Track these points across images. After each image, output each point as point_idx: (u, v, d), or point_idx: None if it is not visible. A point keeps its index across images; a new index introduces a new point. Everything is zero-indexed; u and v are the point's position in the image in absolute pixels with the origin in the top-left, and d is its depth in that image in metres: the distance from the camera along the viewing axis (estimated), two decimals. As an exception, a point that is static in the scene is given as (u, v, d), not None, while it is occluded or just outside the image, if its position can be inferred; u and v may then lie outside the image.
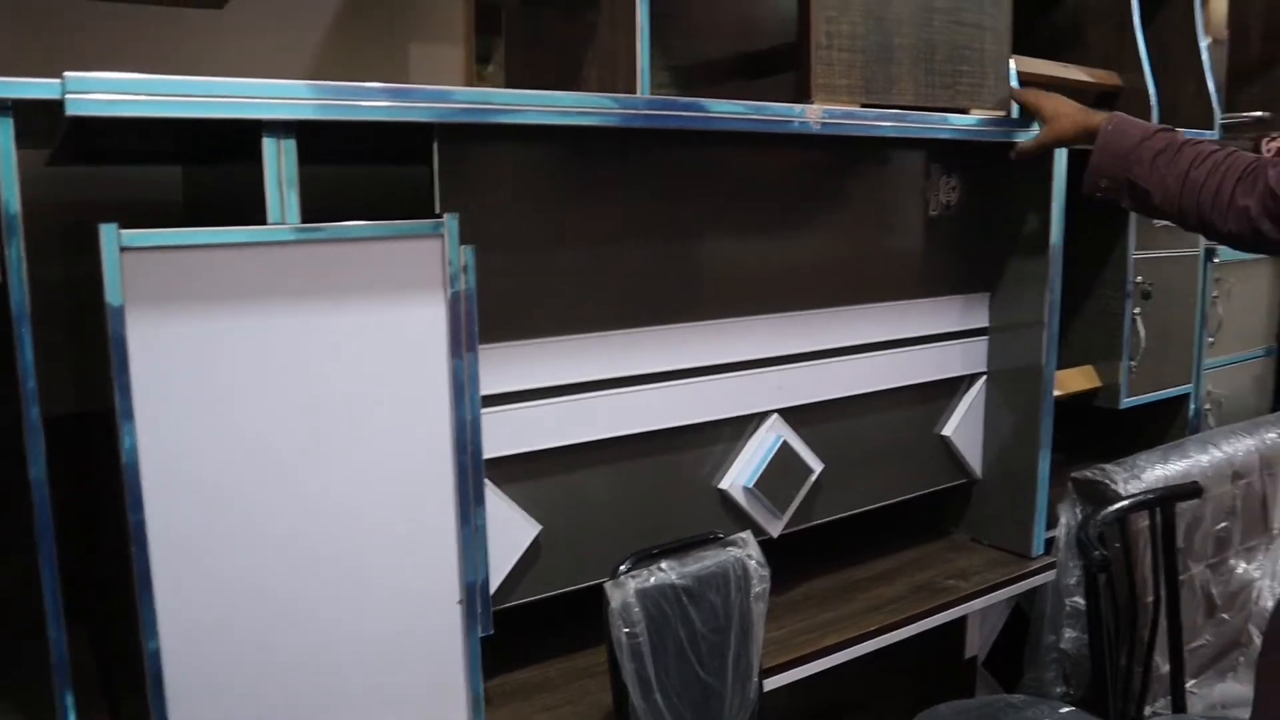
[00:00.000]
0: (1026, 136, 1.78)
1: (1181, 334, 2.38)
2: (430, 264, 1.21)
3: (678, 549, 1.37)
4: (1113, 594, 1.79)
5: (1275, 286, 2.75)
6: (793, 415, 1.70)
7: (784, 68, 1.64)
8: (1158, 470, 2.01)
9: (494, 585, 1.37)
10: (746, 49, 1.87)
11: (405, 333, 1.20)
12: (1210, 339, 2.46)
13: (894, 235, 1.84)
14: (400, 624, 1.25)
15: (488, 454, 1.32)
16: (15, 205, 1.00)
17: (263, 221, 1.11)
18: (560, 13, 1.53)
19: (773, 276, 1.65)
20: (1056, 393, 1.97)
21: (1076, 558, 1.88)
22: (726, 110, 1.42)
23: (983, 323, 1.99)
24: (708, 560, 1.37)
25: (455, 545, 1.27)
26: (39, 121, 1.09)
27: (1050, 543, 2.00)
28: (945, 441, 1.97)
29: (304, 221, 1.13)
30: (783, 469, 1.68)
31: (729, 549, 1.40)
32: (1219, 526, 2.13)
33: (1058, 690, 2.04)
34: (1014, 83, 1.79)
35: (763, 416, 1.67)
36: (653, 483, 1.57)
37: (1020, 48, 1.83)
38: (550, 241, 1.42)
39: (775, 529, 1.71)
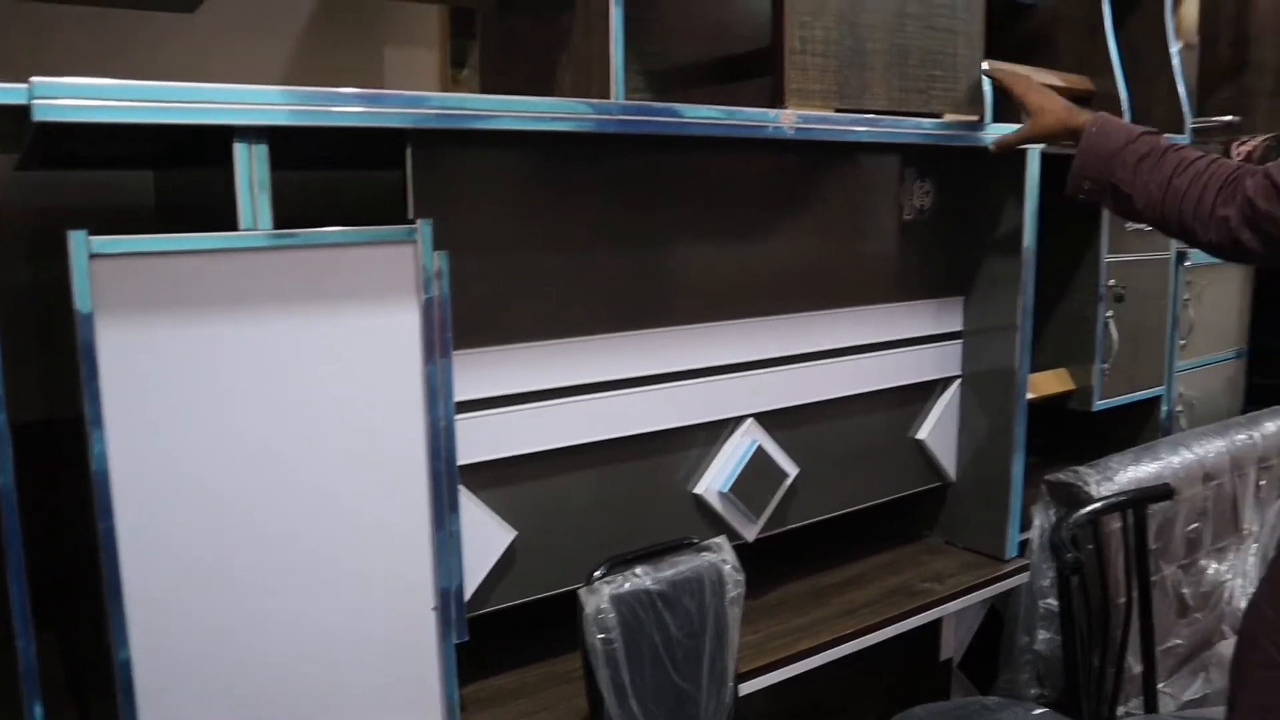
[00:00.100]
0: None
1: (1153, 337, 2.40)
2: (403, 270, 1.20)
3: (653, 554, 1.38)
4: (1085, 595, 1.81)
5: (1245, 289, 2.78)
6: (768, 419, 1.71)
7: (759, 72, 1.65)
8: (1130, 472, 2.02)
9: (469, 592, 1.36)
10: (722, 53, 1.87)
11: (378, 339, 1.20)
12: (1182, 341, 2.49)
13: (868, 239, 1.84)
14: (375, 630, 1.24)
15: (463, 460, 1.32)
16: (-17, 211, 0.99)
17: (234, 227, 1.10)
18: (535, 17, 1.53)
19: (748, 281, 1.66)
20: (1030, 396, 1.99)
21: (1050, 560, 1.89)
22: (700, 115, 1.42)
23: (957, 326, 2.00)
24: (683, 565, 1.37)
25: (430, 552, 1.27)
26: (6, 126, 1.08)
27: (1024, 545, 2.02)
28: (920, 445, 1.98)
29: (276, 227, 1.12)
30: (758, 473, 1.68)
31: (704, 554, 1.40)
32: (1190, 528, 2.16)
33: (1032, 692, 2.05)
34: (987, 87, 1.80)
35: (738, 421, 1.67)
36: (628, 488, 1.57)
37: (992, 52, 1.84)
38: (525, 247, 1.41)
39: (751, 533, 1.71)
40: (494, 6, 1.68)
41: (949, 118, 1.75)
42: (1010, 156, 1.83)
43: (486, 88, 1.79)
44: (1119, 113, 2.17)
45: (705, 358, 1.61)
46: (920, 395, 1.97)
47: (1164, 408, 2.46)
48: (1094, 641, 1.85)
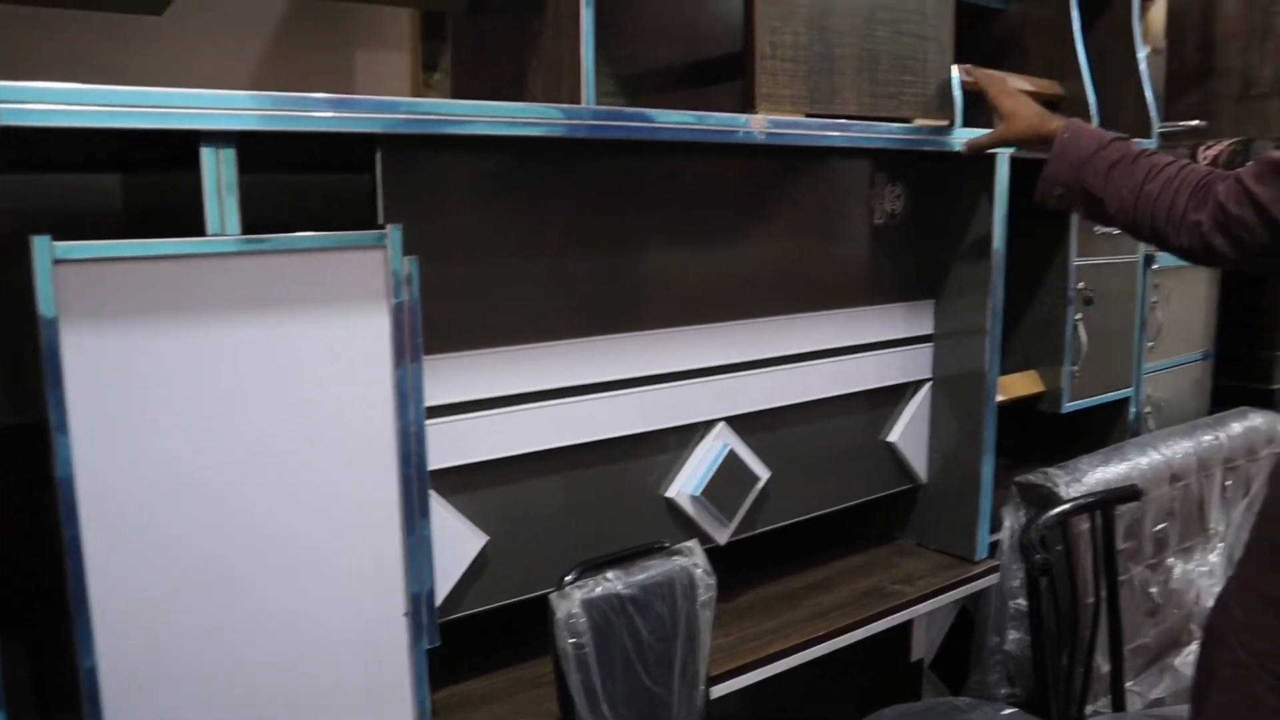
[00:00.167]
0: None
1: (1122, 339, 2.42)
2: (373, 275, 1.20)
3: (624, 558, 1.38)
4: (1055, 596, 1.82)
5: (1211, 292, 2.81)
6: (739, 423, 1.71)
7: (732, 76, 1.65)
8: (1098, 473, 2.04)
9: (440, 597, 1.36)
10: (694, 57, 1.88)
11: (348, 344, 1.20)
12: (1150, 343, 2.51)
13: (840, 243, 1.85)
14: (345, 636, 1.23)
15: (434, 465, 1.32)
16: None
17: (203, 232, 1.10)
18: (505, 21, 1.53)
19: (719, 285, 1.66)
20: (1000, 398, 2.00)
21: (1020, 561, 1.91)
22: (671, 120, 1.43)
23: (927, 329, 2.01)
24: (654, 569, 1.37)
25: (400, 557, 1.27)
26: (-31, 130, 1.07)
27: (995, 546, 2.03)
28: (891, 447, 1.99)
29: (244, 232, 1.11)
30: (729, 477, 1.68)
31: (675, 558, 1.40)
32: (1158, 528, 2.18)
33: (1002, 692, 2.07)
34: (957, 91, 1.81)
35: (709, 425, 1.68)
36: (600, 492, 1.57)
37: (963, 57, 1.85)
38: (496, 251, 1.41)
39: (722, 537, 1.71)
40: (465, 10, 1.68)
41: (919, 122, 1.76)
42: (980, 161, 1.84)
43: (458, 91, 1.79)
44: (1088, 117, 2.19)
45: (677, 362, 1.62)
46: (891, 398, 1.99)
47: (1132, 409, 2.49)
48: (1063, 641, 1.87)
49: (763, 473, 1.74)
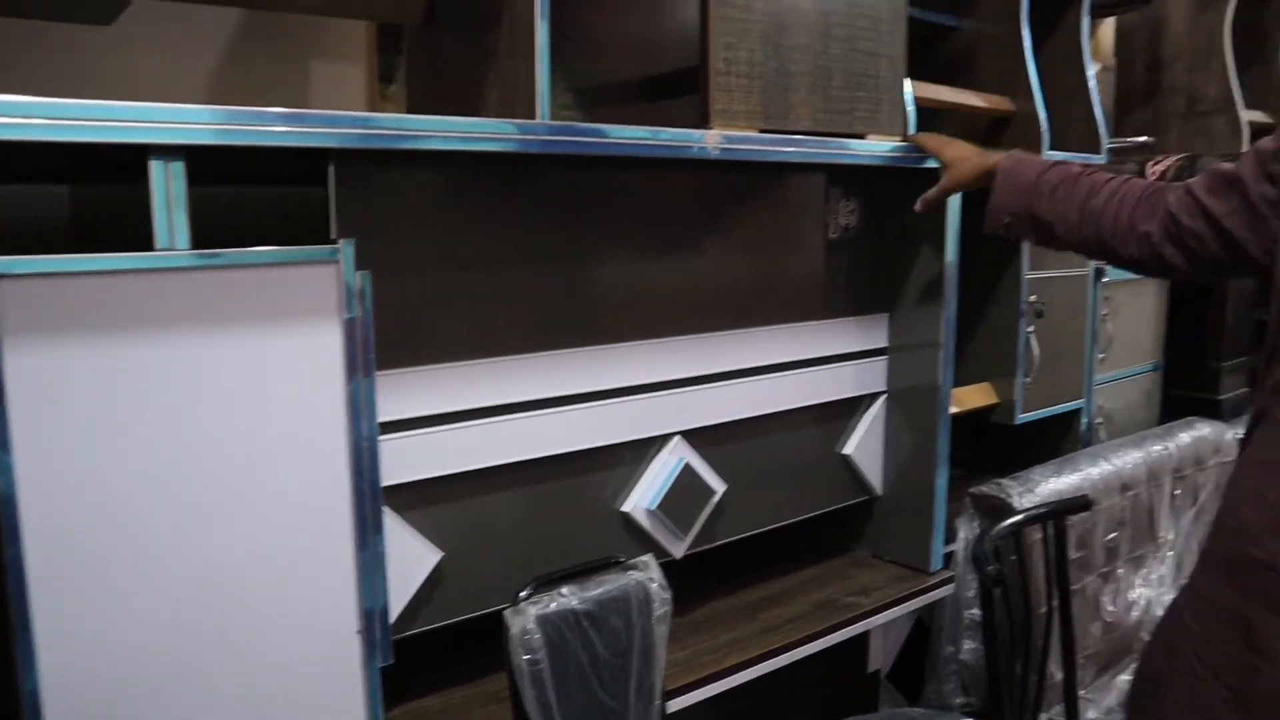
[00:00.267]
0: (924, 162, 1.83)
1: (1073, 351, 2.45)
2: (325, 290, 1.19)
3: (579, 573, 1.37)
4: (1008, 606, 1.84)
5: (1160, 304, 2.86)
6: (695, 437, 1.72)
7: (688, 90, 1.66)
8: (1051, 484, 2.07)
9: (394, 613, 1.35)
10: (651, 72, 1.88)
11: (300, 359, 1.18)
12: (1101, 355, 2.55)
13: (795, 258, 1.86)
14: (297, 654, 1.22)
15: (388, 481, 1.31)
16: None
17: (151, 246, 1.08)
18: (462, 35, 1.52)
19: (675, 299, 1.67)
20: (954, 410, 2.02)
21: (974, 571, 1.92)
22: (626, 136, 1.43)
23: (882, 343, 2.03)
24: (609, 584, 1.37)
25: (353, 573, 1.25)
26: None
27: (949, 557, 2.05)
28: (846, 460, 2.00)
29: (195, 246, 1.10)
30: (685, 491, 1.69)
31: (630, 573, 1.40)
32: (1109, 537, 2.21)
33: (958, 701, 2.09)
34: (910, 107, 1.83)
35: (665, 439, 1.68)
36: (555, 507, 1.56)
37: (916, 74, 1.87)
38: (450, 266, 1.41)
39: (678, 550, 1.71)
40: (421, 22, 1.68)
41: (872, 138, 1.78)
42: (932, 176, 1.86)
43: (414, 104, 1.78)
44: (1038, 133, 2.23)
45: (632, 376, 1.62)
46: (846, 411, 2.00)
47: (1084, 420, 2.52)
48: (1017, 651, 1.88)
49: (718, 486, 1.74)
